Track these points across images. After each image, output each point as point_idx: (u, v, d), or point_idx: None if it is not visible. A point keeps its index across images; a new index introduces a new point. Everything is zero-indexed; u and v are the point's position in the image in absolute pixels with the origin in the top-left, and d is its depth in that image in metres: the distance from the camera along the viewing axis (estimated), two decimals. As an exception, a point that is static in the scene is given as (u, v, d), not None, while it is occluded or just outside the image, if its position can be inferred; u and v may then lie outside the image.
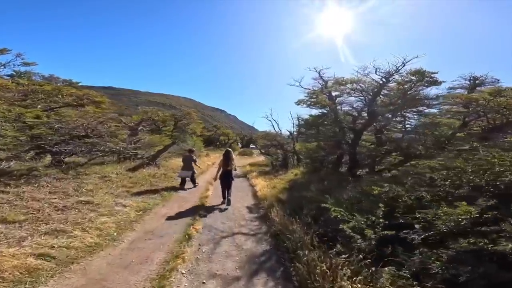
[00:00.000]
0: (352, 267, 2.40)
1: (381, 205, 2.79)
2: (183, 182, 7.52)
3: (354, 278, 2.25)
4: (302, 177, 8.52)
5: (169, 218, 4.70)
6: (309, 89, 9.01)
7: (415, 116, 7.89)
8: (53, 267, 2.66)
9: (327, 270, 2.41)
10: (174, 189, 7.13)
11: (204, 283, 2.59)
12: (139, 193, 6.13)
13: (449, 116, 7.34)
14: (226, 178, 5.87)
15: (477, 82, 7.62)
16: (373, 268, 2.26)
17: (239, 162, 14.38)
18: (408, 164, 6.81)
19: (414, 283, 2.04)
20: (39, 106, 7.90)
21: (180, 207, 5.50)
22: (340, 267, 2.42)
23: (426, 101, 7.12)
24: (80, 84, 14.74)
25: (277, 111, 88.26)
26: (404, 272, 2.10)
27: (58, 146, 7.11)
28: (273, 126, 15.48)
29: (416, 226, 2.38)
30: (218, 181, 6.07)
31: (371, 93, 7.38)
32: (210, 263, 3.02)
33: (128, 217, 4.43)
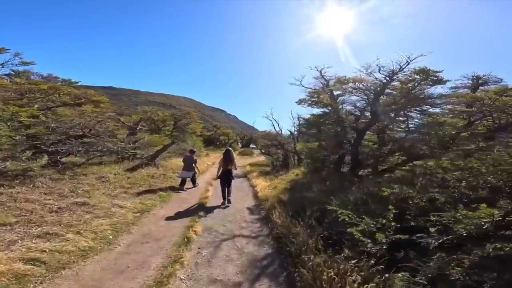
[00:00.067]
0: (362, 273, 2.25)
1: (391, 207, 2.64)
2: (183, 182, 7.41)
3: (366, 286, 2.09)
4: (303, 177, 8.37)
5: (168, 219, 4.56)
6: (310, 88, 8.90)
7: (419, 115, 7.76)
8: (43, 273, 2.50)
9: (334, 276, 2.25)
10: (173, 189, 6.99)
11: (204, 289, 2.45)
12: (137, 194, 5.99)
13: (452, 115, 7.23)
14: (226, 177, 5.88)
15: (480, 81, 7.51)
16: (386, 275, 2.11)
17: (239, 162, 14.24)
18: (411, 164, 6.69)
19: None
20: (36, 105, 7.76)
21: (179, 208, 5.36)
22: (349, 273, 2.27)
23: (430, 100, 7.00)
24: (79, 83, 14.59)
25: (277, 110, 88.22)
26: (420, 279, 1.95)
27: (55, 146, 6.96)
28: (273, 125, 15.26)
29: (431, 229, 2.23)
30: (218, 181, 6.03)
31: (374, 92, 7.26)
32: (210, 268, 2.87)
33: (125, 219, 4.28)
